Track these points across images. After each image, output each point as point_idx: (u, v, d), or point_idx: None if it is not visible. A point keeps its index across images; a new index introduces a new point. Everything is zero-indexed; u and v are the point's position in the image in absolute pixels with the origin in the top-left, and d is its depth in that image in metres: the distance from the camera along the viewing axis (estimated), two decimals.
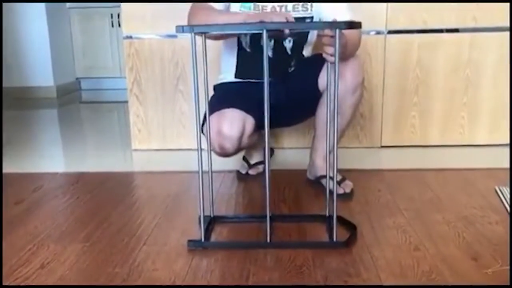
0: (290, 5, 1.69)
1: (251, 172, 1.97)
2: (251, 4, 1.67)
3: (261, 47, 1.72)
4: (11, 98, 4.23)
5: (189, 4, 1.66)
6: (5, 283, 1.15)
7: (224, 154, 1.62)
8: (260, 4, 1.67)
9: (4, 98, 4.08)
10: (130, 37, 2.35)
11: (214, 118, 1.59)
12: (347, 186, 1.73)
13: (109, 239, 1.39)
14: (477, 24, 2.24)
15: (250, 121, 1.62)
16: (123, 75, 2.54)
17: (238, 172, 1.97)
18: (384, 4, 2.25)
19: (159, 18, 2.31)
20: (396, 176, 1.89)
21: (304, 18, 1.71)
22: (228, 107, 1.60)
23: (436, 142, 2.37)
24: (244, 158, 2.01)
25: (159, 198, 1.72)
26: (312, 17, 1.72)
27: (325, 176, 1.74)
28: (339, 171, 1.76)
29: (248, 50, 1.75)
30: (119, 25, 2.60)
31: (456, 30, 2.26)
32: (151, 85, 2.37)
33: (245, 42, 1.74)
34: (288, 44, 1.75)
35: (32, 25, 4.35)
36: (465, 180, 1.84)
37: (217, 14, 1.57)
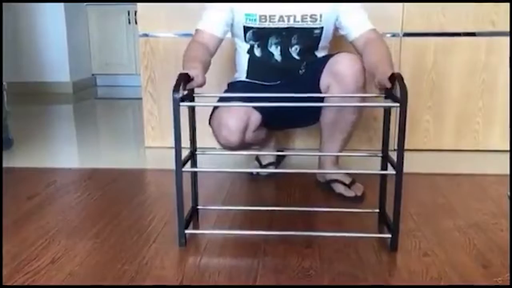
0: (299, 15, 1.68)
1: (262, 172, 1.97)
2: (256, 16, 1.67)
3: (269, 53, 1.75)
4: (27, 93, 4.28)
5: (202, 5, 1.68)
6: (15, 277, 1.17)
7: (228, 146, 1.63)
8: (268, 14, 1.67)
9: (20, 93, 4.12)
10: (146, 35, 2.36)
11: (220, 111, 1.62)
12: (358, 189, 1.72)
13: (119, 236, 1.40)
14: (494, 28, 2.21)
15: (255, 116, 1.63)
16: (138, 73, 2.55)
17: (249, 173, 1.97)
18: (400, 6, 2.23)
19: (174, 17, 2.33)
20: (407, 180, 1.85)
21: (312, 29, 1.71)
22: (235, 101, 1.61)
23: (449, 147, 2.35)
24: (257, 158, 2.02)
25: (171, 196, 1.73)
26: (322, 28, 1.71)
27: (335, 180, 1.74)
28: (349, 174, 1.77)
29: (258, 55, 1.76)
30: (136, 23, 2.61)
31: (473, 34, 2.24)
32: (165, 83, 2.38)
33: (255, 48, 1.76)
34: (294, 50, 1.74)
35: (50, 21, 4.40)
36: (478, 186, 1.82)
37: (188, 54, 1.60)
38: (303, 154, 1.99)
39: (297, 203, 1.68)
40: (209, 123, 1.69)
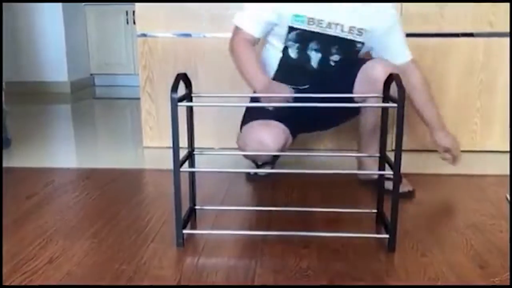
0: (347, 26, 1.66)
1: (260, 172, 1.97)
2: (305, 17, 1.64)
3: (306, 56, 1.73)
4: (26, 92, 4.27)
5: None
6: (13, 276, 1.17)
7: (255, 159, 1.65)
8: (317, 18, 1.64)
9: (19, 92, 4.12)
10: (144, 35, 2.36)
11: (257, 127, 1.65)
12: (407, 184, 1.73)
13: (117, 236, 1.40)
14: (492, 29, 2.22)
15: (290, 138, 1.69)
16: (137, 72, 2.55)
17: (247, 173, 1.97)
18: (398, 7, 2.23)
19: (173, 17, 2.33)
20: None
21: (354, 42, 1.70)
22: (274, 118, 1.65)
23: None
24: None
25: (169, 196, 1.72)
26: (363, 43, 1.71)
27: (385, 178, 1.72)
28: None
29: (293, 57, 1.74)
30: (134, 23, 2.62)
31: (471, 35, 2.24)
32: (164, 83, 2.39)
33: (292, 50, 1.73)
34: (332, 59, 1.74)
35: (48, 21, 4.39)
36: (476, 187, 1.83)
37: (250, 63, 1.64)
38: (301, 154, 1.99)
39: (295, 203, 1.68)
40: (241, 129, 1.73)
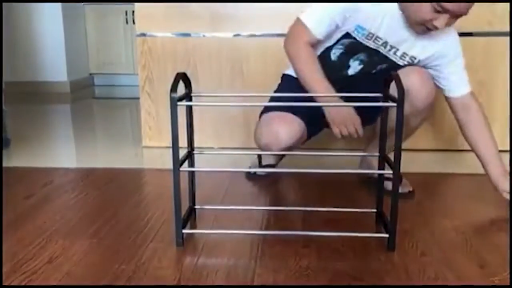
0: (400, 51, 1.62)
1: (260, 172, 1.96)
2: (366, 31, 1.58)
3: (346, 64, 1.69)
4: (24, 92, 4.27)
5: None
6: (12, 276, 1.16)
7: (268, 150, 1.66)
8: (376, 34, 1.58)
9: (17, 92, 4.12)
10: (144, 35, 2.36)
11: (276, 118, 1.63)
12: (407, 185, 1.73)
13: (117, 235, 1.40)
14: (491, 28, 2.22)
15: (305, 134, 1.68)
16: (136, 72, 2.55)
17: (246, 172, 1.97)
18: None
19: (172, 17, 2.32)
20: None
21: (400, 65, 1.65)
22: (292, 111, 1.63)
23: (447, 146, 2.35)
24: (259, 157, 2.01)
25: (168, 195, 1.72)
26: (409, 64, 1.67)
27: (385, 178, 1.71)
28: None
29: (333, 59, 1.69)
30: (134, 22, 2.62)
31: (470, 34, 2.24)
32: (163, 83, 2.39)
33: (335, 52, 1.69)
34: (373, 72, 1.71)
35: (48, 20, 4.39)
36: (476, 186, 1.83)
37: (312, 71, 1.58)
38: (304, 154, 1.99)
39: (295, 202, 1.68)
40: (260, 116, 1.72)
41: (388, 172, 1.31)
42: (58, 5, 4.37)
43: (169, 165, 1.29)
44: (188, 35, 2.33)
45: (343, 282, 1.15)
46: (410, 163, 2.12)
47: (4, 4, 4.09)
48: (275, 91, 1.81)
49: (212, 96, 2.08)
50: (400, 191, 1.67)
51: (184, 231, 1.34)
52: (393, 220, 1.27)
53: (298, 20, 1.60)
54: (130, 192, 1.79)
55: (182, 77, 1.33)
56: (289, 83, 1.75)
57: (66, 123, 3.38)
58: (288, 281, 1.15)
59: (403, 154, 1.25)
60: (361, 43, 1.63)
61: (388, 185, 1.52)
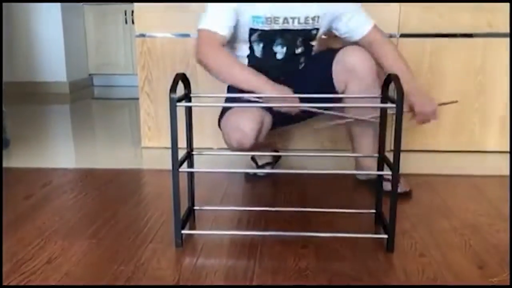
0: (302, 17, 1.68)
1: (259, 173, 1.97)
2: (263, 18, 1.65)
3: (272, 52, 1.74)
4: (23, 92, 4.27)
5: (199, 5, 1.67)
6: (11, 277, 1.16)
7: (241, 149, 1.63)
8: (273, 16, 1.65)
9: (16, 93, 4.12)
10: (143, 35, 2.36)
11: (233, 113, 1.61)
12: (405, 184, 1.73)
13: (116, 236, 1.40)
14: (491, 29, 2.22)
15: (268, 118, 1.65)
16: (135, 73, 2.55)
17: (245, 173, 1.97)
18: (397, 7, 2.23)
19: (171, 17, 2.32)
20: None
21: (311, 30, 1.72)
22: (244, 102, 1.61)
23: (446, 148, 2.36)
24: (253, 159, 2.02)
25: (167, 196, 1.73)
26: (318, 29, 1.72)
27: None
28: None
29: (259, 56, 1.75)
30: (133, 22, 2.62)
31: (469, 35, 2.24)
32: (162, 83, 2.38)
33: (257, 49, 1.74)
34: (298, 50, 1.76)
35: (47, 21, 4.39)
36: (474, 187, 1.83)
37: (237, 67, 1.61)
38: (300, 154, 1.98)
39: (294, 203, 1.68)
40: (219, 124, 1.69)
41: (387, 173, 1.31)
42: (57, 5, 4.36)
43: (168, 165, 1.29)
44: (187, 35, 2.33)
45: (342, 283, 1.15)
46: (409, 164, 2.13)
47: (4, 4, 4.09)
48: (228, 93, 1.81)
49: (212, 97, 2.08)
50: (399, 190, 1.69)
51: (183, 231, 1.35)
52: (392, 220, 1.28)
53: (200, 31, 1.62)
54: (129, 193, 1.79)
55: (182, 77, 1.33)
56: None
57: (65, 123, 3.38)
58: (287, 281, 1.15)
59: (401, 154, 1.25)
60: (268, 30, 1.68)
61: (387, 185, 1.53)
